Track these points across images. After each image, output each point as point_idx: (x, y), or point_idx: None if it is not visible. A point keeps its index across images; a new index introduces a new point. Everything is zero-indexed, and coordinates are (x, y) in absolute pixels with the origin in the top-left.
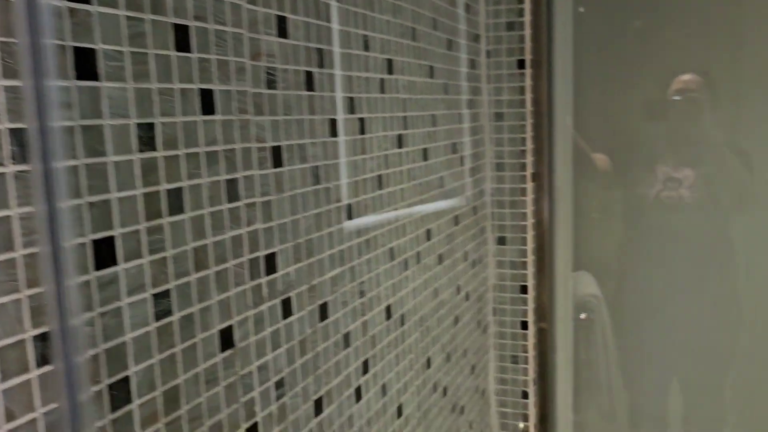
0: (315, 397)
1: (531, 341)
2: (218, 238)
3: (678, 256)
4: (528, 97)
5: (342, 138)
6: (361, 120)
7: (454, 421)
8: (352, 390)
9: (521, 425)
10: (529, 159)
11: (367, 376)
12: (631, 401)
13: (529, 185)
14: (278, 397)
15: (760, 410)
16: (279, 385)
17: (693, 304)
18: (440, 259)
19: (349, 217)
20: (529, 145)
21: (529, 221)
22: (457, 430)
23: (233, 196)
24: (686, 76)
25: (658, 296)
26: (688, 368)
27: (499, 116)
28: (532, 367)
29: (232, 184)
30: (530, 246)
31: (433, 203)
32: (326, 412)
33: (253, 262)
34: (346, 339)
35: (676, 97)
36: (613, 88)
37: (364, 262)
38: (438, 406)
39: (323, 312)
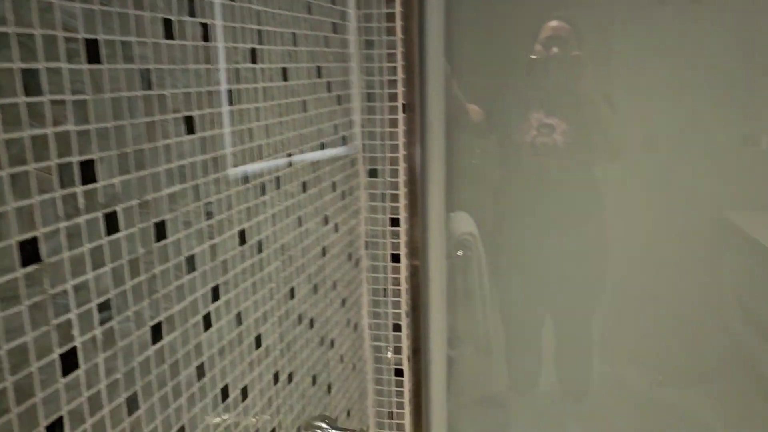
0: (152, 323)
1: (403, 274)
2: (13, 135)
3: (551, 198)
4: (398, 24)
5: (179, 42)
6: (204, 26)
7: (323, 354)
8: (199, 317)
9: (389, 354)
10: (401, 89)
11: (218, 303)
12: (506, 336)
13: (401, 116)
14: (103, 321)
15: (624, 342)
16: (103, 307)
17: (564, 242)
18: (304, 186)
19: (190, 131)
20: (400, 75)
21: (401, 153)
22: (326, 363)
23: (33, 88)
24: (555, 23)
25: (532, 235)
26: (559, 303)
27: (369, 44)
28: (404, 300)
29: (30, 74)
30: (402, 178)
31: (294, 129)
32: (167, 339)
33: (64, 167)
34: (191, 262)
35: (546, 44)
36: (486, 35)
37: (210, 182)
38: (304, 338)
39: (160, 231)
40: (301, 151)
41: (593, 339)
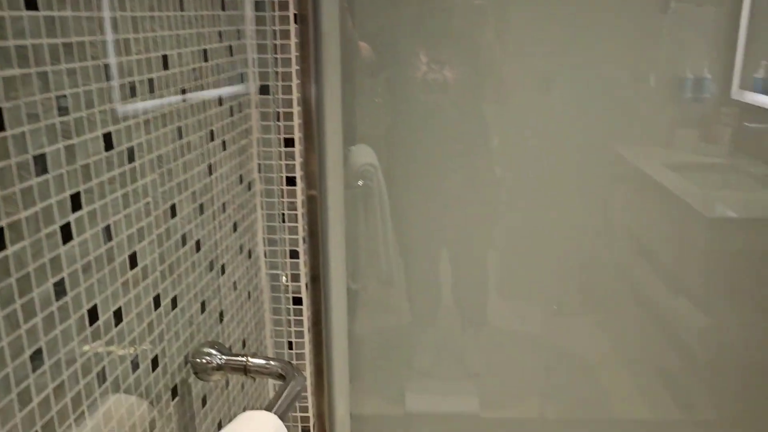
0: None
1: (299, 198)
2: None
3: (446, 135)
4: None
5: None
6: None
7: (213, 279)
8: (56, 227)
9: (284, 278)
10: None
11: (80, 213)
12: (406, 269)
13: (293, 27)
14: None
15: (521, 275)
16: None
17: (459, 179)
18: (184, 94)
19: (33, 8)
20: None
21: (293, 68)
22: (217, 289)
23: None
24: None
25: (428, 171)
26: (455, 238)
27: None
28: (301, 225)
29: None
30: (296, 95)
31: (170, 28)
32: (13, 248)
33: None
34: (41, 162)
35: None
36: None
37: (63, 71)
38: (190, 262)
39: None
40: (179, 56)
41: (489, 272)
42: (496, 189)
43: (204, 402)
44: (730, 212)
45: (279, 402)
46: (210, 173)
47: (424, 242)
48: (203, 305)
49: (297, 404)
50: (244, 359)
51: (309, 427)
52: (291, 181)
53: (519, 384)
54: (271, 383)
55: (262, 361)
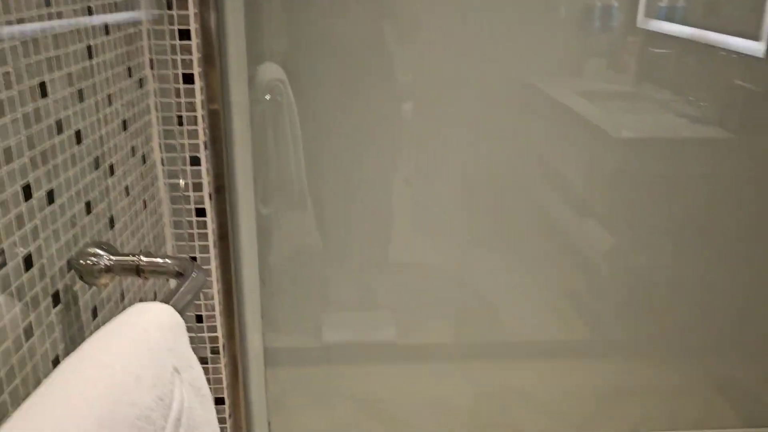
0: None
1: (199, 98)
2: None
3: (356, 57)
4: None
5: None
6: None
7: (100, 179)
8: None
9: (182, 183)
10: None
11: None
12: (319, 194)
13: None
14: None
15: (434, 208)
16: None
17: (370, 106)
18: None
19: None
20: None
21: None
22: (105, 191)
23: None
24: None
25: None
26: (368, 165)
27: None
28: (201, 129)
29: None
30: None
31: None
32: None
33: None
34: None
35: None
36: None
37: None
38: (69, 153)
39: None
40: None
41: (402, 202)
42: (409, 118)
43: (95, 314)
44: (636, 134)
45: (177, 295)
46: (89, 56)
47: (336, 168)
48: (88, 206)
49: (205, 326)
50: (136, 258)
51: (218, 347)
52: (188, 79)
53: (434, 311)
54: None
55: (158, 260)
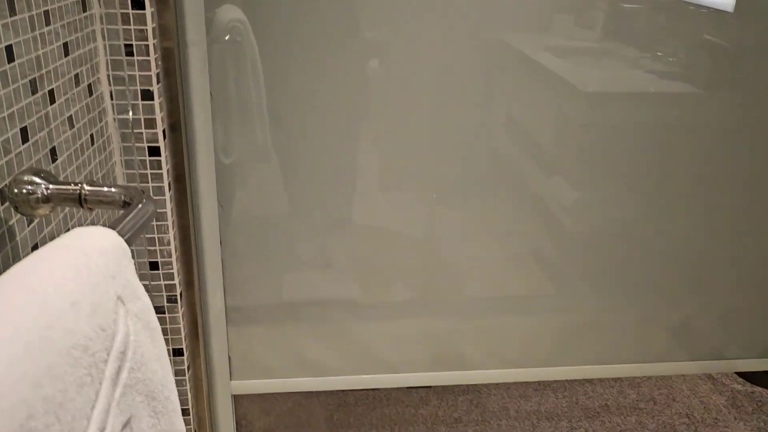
0: None
1: (150, 26)
2: None
3: (322, 13)
4: None
5: None
6: None
7: (37, 105)
8: None
9: (130, 113)
10: None
11: None
12: (283, 146)
13: None
14: None
15: (400, 165)
16: None
17: (337, 62)
18: None
19: None
20: None
21: None
22: (44, 120)
23: None
24: None
25: (303, 36)
26: (328, 113)
27: None
28: (153, 60)
29: None
30: None
31: None
32: None
33: None
34: None
35: None
36: None
37: None
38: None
39: None
40: None
41: (368, 161)
42: (375, 69)
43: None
44: (604, 88)
45: (123, 222)
46: None
47: (300, 122)
48: (24, 132)
49: (161, 273)
50: (78, 186)
51: (175, 296)
52: (139, 4)
53: (397, 269)
54: None
55: (102, 188)
